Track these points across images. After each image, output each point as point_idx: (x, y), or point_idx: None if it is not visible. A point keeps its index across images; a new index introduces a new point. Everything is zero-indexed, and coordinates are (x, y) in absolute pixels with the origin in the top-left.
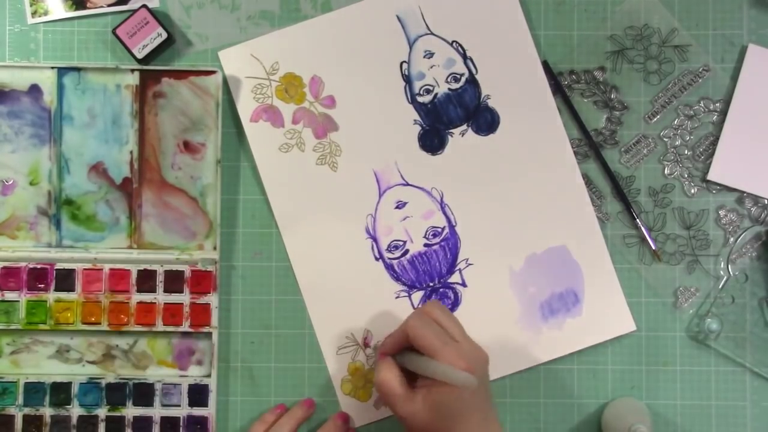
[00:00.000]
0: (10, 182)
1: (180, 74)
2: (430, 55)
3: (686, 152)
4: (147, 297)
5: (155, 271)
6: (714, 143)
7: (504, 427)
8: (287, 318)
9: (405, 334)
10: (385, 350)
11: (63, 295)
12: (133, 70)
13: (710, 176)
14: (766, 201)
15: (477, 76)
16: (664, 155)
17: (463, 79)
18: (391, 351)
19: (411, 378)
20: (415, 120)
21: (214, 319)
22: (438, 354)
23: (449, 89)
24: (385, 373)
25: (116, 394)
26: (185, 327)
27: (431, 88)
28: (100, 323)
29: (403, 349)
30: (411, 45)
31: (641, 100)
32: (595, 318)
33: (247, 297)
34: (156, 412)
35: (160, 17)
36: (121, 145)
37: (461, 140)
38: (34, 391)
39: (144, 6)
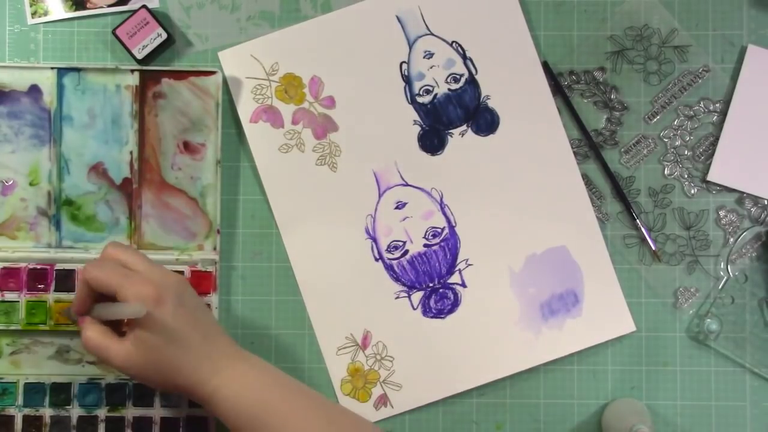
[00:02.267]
0: (10, 182)
1: (180, 74)
2: (429, 55)
3: (686, 152)
4: None
5: None
6: (714, 143)
7: (504, 427)
8: (287, 318)
9: (86, 285)
10: (77, 310)
11: (63, 295)
12: (133, 71)
13: (710, 176)
14: (766, 201)
15: (477, 77)
16: (664, 155)
17: (463, 79)
18: (83, 309)
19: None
20: (414, 120)
21: None
22: (121, 289)
23: (449, 90)
24: (86, 333)
25: (116, 394)
26: None
27: (431, 88)
28: None
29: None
30: (411, 45)
31: (641, 101)
32: (595, 318)
33: (247, 297)
34: (156, 412)
35: (160, 17)
36: (121, 146)
37: (461, 141)
38: (34, 391)
39: (144, 6)
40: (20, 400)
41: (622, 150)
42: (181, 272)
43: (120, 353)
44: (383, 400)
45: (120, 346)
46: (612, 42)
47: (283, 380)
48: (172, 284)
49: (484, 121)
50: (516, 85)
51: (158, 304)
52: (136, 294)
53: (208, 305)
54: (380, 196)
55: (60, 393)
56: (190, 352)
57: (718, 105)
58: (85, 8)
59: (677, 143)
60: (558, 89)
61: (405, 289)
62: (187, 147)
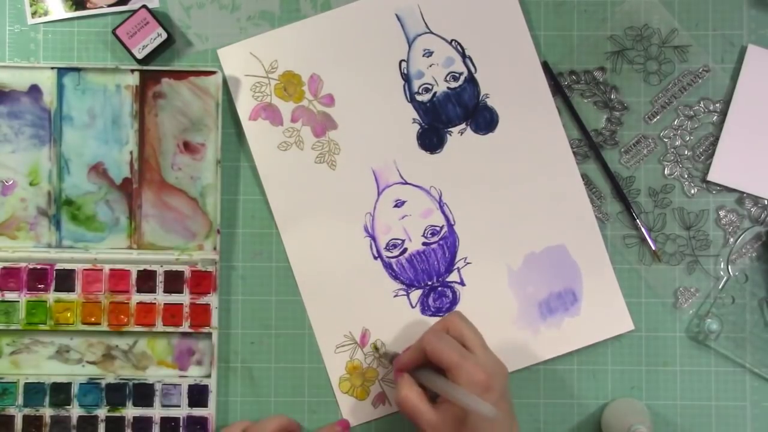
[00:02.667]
0: (10, 182)
1: (180, 74)
2: (429, 53)
3: (686, 152)
4: (147, 297)
5: (155, 272)
6: (714, 143)
7: None
8: (287, 318)
9: (421, 351)
10: (401, 366)
11: (63, 295)
12: (133, 71)
13: (710, 176)
14: (766, 201)
15: (476, 75)
16: (664, 155)
17: (462, 78)
18: (408, 367)
19: (431, 392)
20: (413, 119)
21: (214, 320)
22: (456, 369)
23: (448, 88)
24: (406, 391)
25: (116, 394)
26: (185, 327)
27: (430, 86)
28: (100, 323)
29: (422, 365)
30: (410, 44)
31: (641, 101)
32: (594, 317)
33: (247, 297)
34: (156, 412)
35: (160, 17)
36: (121, 146)
37: (460, 139)
38: (34, 391)
39: (144, 6)
40: (20, 400)
41: (622, 150)
42: (181, 272)
43: (431, 422)
44: (381, 399)
45: (432, 416)
46: (612, 42)
47: None
48: (502, 375)
49: (483, 120)
50: (515, 84)
51: (485, 393)
52: (469, 379)
53: (208, 305)
54: (379, 194)
55: (60, 393)
56: None
57: (718, 105)
58: (85, 8)
59: (677, 143)
60: (558, 89)
61: (404, 287)
62: (187, 147)
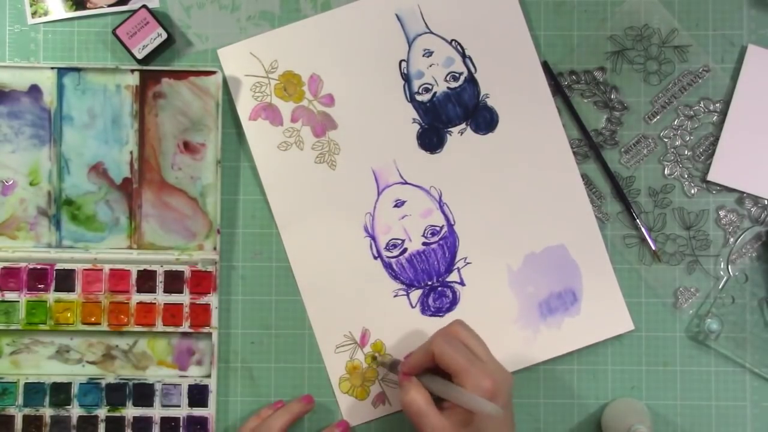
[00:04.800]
0: (10, 182)
1: (180, 74)
2: (429, 53)
3: (686, 152)
4: (147, 297)
5: (155, 272)
6: (714, 143)
7: None
8: (287, 318)
9: (428, 354)
10: (408, 370)
11: (63, 295)
12: (133, 71)
13: (710, 176)
14: (766, 201)
15: (476, 75)
16: (664, 155)
17: (462, 77)
18: (414, 371)
19: (435, 397)
20: (413, 119)
21: (214, 320)
22: (464, 374)
23: (448, 88)
24: (412, 394)
25: (116, 394)
26: (185, 327)
27: (430, 86)
28: (100, 323)
29: (426, 370)
30: (410, 43)
31: (641, 101)
32: (594, 317)
33: (247, 297)
34: (156, 412)
35: (160, 17)
36: (121, 146)
37: (460, 139)
38: (34, 391)
39: (144, 6)
40: (20, 400)
41: (622, 150)
42: (181, 272)
43: (437, 425)
44: (381, 398)
45: (438, 420)
46: (612, 42)
47: None
48: (507, 382)
49: (483, 120)
50: (515, 84)
51: (491, 399)
52: (476, 384)
53: (208, 305)
54: (379, 194)
55: (60, 393)
56: None
57: (718, 105)
58: (85, 8)
59: (677, 143)
60: (558, 89)
61: (403, 287)
62: (187, 147)
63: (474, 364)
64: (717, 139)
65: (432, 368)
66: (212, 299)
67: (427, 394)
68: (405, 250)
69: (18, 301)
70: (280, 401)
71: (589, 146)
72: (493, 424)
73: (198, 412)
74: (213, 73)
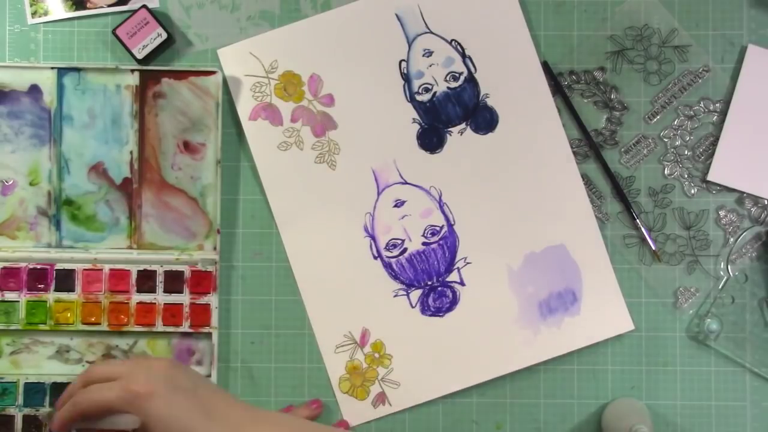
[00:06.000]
0: (10, 182)
1: (180, 74)
2: (429, 53)
3: (686, 152)
4: (147, 297)
5: (155, 272)
6: (714, 143)
7: (504, 427)
8: (287, 318)
9: (76, 411)
10: (59, 428)
11: (63, 295)
12: (133, 71)
13: (710, 176)
14: (766, 201)
15: (476, 75)
16: (664, 155)
17: (462, 77)
18: (67, 428)
19: None
20: (413, 118)
21: (214, 320)
22: (114, 401)
23: (448, 88)
24: None
25: None
26: (185, 327)
27: (430, 86)
28: (100, 323)
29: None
30: (410, 43)
31: (641, 101)
32: (594, 317)
33: (247, 297)
34: None
35: (160, 17)
36: (121, 146)
37: (460, 139)
38: (34, 391)
39: (144, 6)
40: (20, 400)
41: (622, 150)
42: (181, 272)
43: None
44: (381, 399)
45: None
46: (612, 42)
47: (310, 429)
48: (160, 372)
49: (483, 120)
50: (515, 84)
51: (150, 398)
52: (128, 397)
53: (208, 305)
54: (379, 194)
55: (60, 393)
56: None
57: (718, 105)
58: (85, 8)
59: (677, 143)
60: (558, 89)
61: (403, 287)
62: (187, 147)
63: (112, 385)
64: (717, 139)
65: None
66: (212, 299)
67: None
68: (405, 250)
69: (18, 301)
70: (291, 406)
71: (589, 146)
72: (163, 420)
73: None
74: (213, 73)
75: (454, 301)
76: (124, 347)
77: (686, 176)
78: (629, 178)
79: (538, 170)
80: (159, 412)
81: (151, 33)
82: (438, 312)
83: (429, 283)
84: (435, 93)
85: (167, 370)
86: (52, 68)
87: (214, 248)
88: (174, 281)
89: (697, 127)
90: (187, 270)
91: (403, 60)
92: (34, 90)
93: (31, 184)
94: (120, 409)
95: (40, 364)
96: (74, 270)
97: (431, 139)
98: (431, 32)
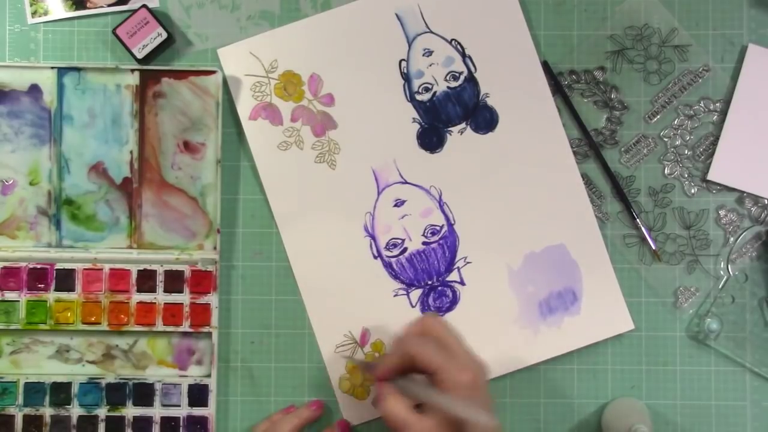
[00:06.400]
0: (10, 182)
1: (180, 74)
2: (429, 53)
3: (686, 152)
4: (147, 297)
5: (155, 271)
6: (714, 143)
7: (504, 427)
8: (287, 318)
9: (403, 355)
10: (384, 375)
11: (63, 295)
12: (133, 70)
13: (710, 176)
14: (766, 201)
15: (476, 75)
16: (664, 155)
17: (462, 77)
18: (390, 375)
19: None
20: (413, 118)
21: (214, 319)
22: (442, 371)
23: (448, 87)
24: (390, 403)
25: (116, 394)
26: (185, 327)
27: (430, 86)
28: (100, 323)
29: (402, 373)
30: (410, 43)
31: (641, 100)
32: (594, 317)
33: (247, 297)
34: (156, 412)
35: (160, 17)
36: (121, 145)
37: (460, 138)
38: (34, 391)
39: (144, 6)
40: (20, 400)
41: (622, 149)
42: (181, 272)
43: None
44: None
45: (422, 426)
46: (612, 41)
47: None
48: (483, 371)
49: (483, 119)
50: (515, 84)
51: (473, 392)
52: (456, 380)
53: (208, 305)
54: (379, 193)
55: (60, 393)
56: None
57: (718, 104)
58: (85, 8)
59: (677, 143)
60: (558, 89)
61: (403, 286)
62: (187, 146)
63: (450, 359)
64: (717, 138)
65: (409, 370)
66: (212, 299)
67: (405, 400)
68: (405, 249)
69: (18, 301)
70: (292, 406)
71: (589, 146)
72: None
73: (198, 411)
74: (213, 72)
75: (454, 301)
76: (124, 347)
77: (686, 176)
78: (629, 178)
79: (538, 170)
80: (488, 425)
81: (151, 33)
82: (438, 312)
83: (429, 282)
84: (435, 93)
85: (487, 374)
86: (52, 68)
87: (214, 248)
88: (174, 281)
89: (697, 126)
90: (187, 270)
91: (403, 59)
92: (34, 90)
93: (31, 183)
94: (442, 384)
95: (40, 363)
96: (74, 270)
97: (431, 139)
98: (431, 32)
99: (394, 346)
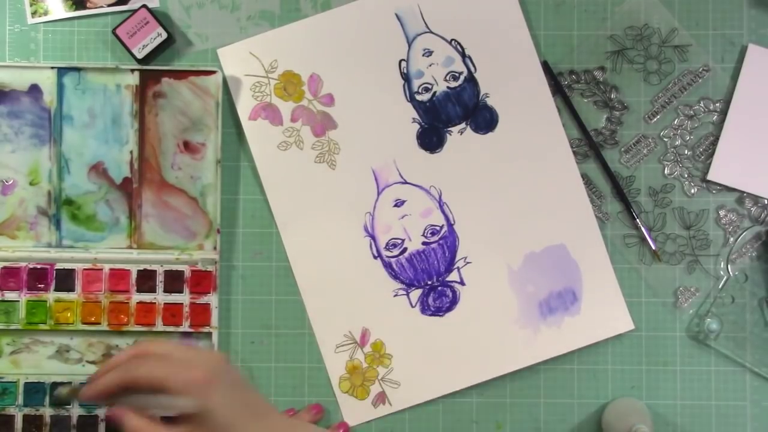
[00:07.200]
0: (10, 182)
1: (180, 74)
2: (428, 53)
3: (686, 152)
4: (147, 297)
5: (155, 271)
6: (714, 143)
7: (504, 427)
8: (287, 318)
9: (124, 378)
10: (100, 396)
11: (63, 295)
12: (133, 70)
13: (710, 176)
14: (766, 201)
15: (476, 75)
16: (664, 155)
17: (462, 77)
18: (107, 396)
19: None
20: (413, 118)
21: (214, 319)
22: (167, 379)
23: (448, 87)
24: (132, 423)
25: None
26: (185, 327)
27: (430, 86)
28: (100, 323)
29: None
30: (410, 43)
31: (641, 100)
32: (594, 317)
33: (247, 297)
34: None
35: (160, 17)
36: (121, 145)
37: (460, 139)
38: (34, 391)
39: (144, 6)
40: (20, 400)
41: (622, 149)
42: (181, 272)
43: None
44: (382, 398)
45: None
46: (612, 41)
47: None
48: (219, 365)
49: (483, 119)
50: (515, 84)
51: (210, 388)
52: (186, 383)
53: (208, 305)
54: (379, 193)
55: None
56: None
57: (718, 104)
58: (85, 8)
59: (677, 143)
60: (558, 89)
61: (403, 286)
62: (187, 146)
63: (171, 366)
64: (717, 138)
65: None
66: (212, 299)
67: (145, 416)
68: (405, 249)
69: (18, 301)
70: (292, 409)
71: (589, 146)
72: (218, 412)
73: None
74: (213, 72)
75: (454, 301)
76: (124, 347)
77: (686, 176)
78: (629, 178)
79: (538, 170)
80: (216, 403)
81: (151, 33)
82: (438, 312)
83: (429, 282)
84: (435, 93)
85: (224, 365)
86: (52, 68)
87: (214, 248)
88: (174, 281)
89: (697, 126)
90: (187, 270)
91: (403, 60)
92: (34, 90)
93: (31, 183)
94: (174, 391)
95: (40, 363)
96: (74, 270)
97: (431, 139)
98: (431, 32)
99: (108, 375)
